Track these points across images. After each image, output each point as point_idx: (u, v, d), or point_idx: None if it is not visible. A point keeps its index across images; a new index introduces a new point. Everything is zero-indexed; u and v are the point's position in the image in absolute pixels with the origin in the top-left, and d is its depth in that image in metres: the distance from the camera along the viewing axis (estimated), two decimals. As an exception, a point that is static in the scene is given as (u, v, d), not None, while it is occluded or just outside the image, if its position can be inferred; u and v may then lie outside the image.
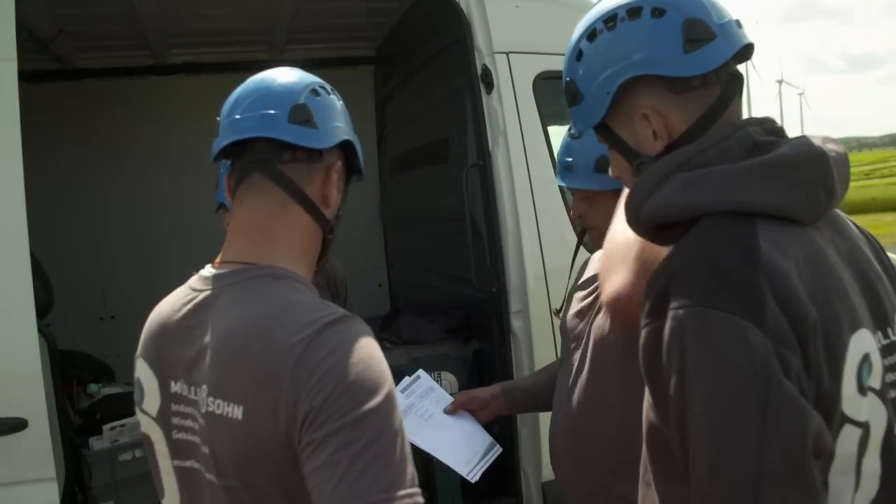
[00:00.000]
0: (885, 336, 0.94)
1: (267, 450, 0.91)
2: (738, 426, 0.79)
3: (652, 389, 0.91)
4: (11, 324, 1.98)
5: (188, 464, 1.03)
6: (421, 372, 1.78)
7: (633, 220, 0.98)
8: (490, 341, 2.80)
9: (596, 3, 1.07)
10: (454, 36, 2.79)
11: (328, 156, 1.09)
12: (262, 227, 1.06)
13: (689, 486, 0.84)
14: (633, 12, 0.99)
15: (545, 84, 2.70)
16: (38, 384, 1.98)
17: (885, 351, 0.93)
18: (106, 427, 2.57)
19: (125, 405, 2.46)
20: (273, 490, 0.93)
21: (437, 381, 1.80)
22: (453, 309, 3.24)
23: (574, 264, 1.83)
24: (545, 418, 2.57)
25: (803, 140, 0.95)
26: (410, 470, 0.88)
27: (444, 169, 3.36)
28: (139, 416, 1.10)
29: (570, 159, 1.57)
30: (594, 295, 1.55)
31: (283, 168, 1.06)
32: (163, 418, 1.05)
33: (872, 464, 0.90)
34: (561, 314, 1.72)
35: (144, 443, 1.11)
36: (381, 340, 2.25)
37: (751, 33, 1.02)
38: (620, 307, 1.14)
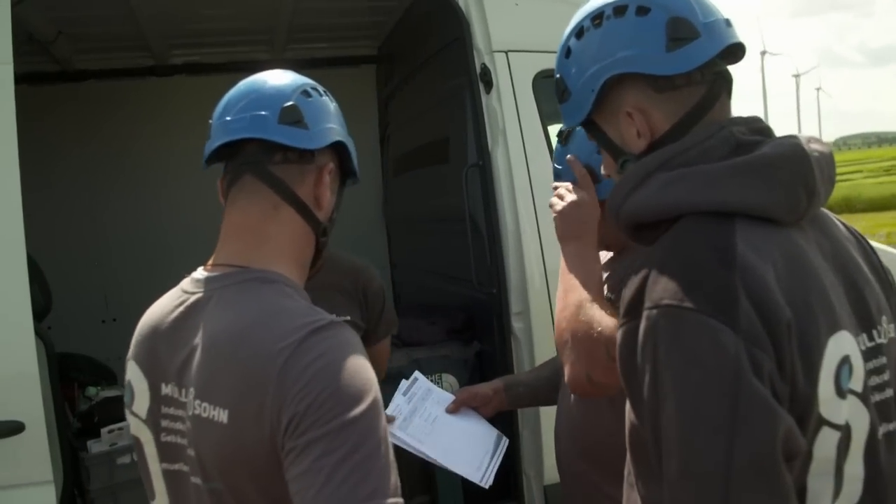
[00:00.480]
0: (870, 338, 0.93)
1: (251, 454, 0.91)
2: (707, 426, 0.79)
3: (629, 389, 0.91)
4: (8, 327, 1.98)
5: (176, 467, 1.03)
6: (417, 373, 1.77)
7: (615, 219, 1.00)
8: (491, 343, 2.78)
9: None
10: (453, 34, 2.77)
11: (320, 157, 1.09)
12: (253, 230, 1.06)
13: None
14: (618, 10, 1.01)
15: (545, 82, 2.68)
16: (35, 387, 1.97)
17: (869, 354, 0.92)
18: (104, 430, 2.57)
19: (123, 408, 2.45)
20: (256, 495, 0.93)
21: (437, 384, 1.79)
22: (455, 310, 3.23)
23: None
24: (546, 420, 2.58)
25: (787, 139, 0.95)
26: (394, 478, 0.87)
27: (445, 169, 3.34)
28: (129, 418, 1.10)
29: (559, 167, 1.56)
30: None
31: (274, 169, 1.06)
32: (152, 420, 1.05)
33: (855, 467, 0.89)
34: None
35: (134, 445, 1.11)
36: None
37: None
38: (589, 391, 1.27)
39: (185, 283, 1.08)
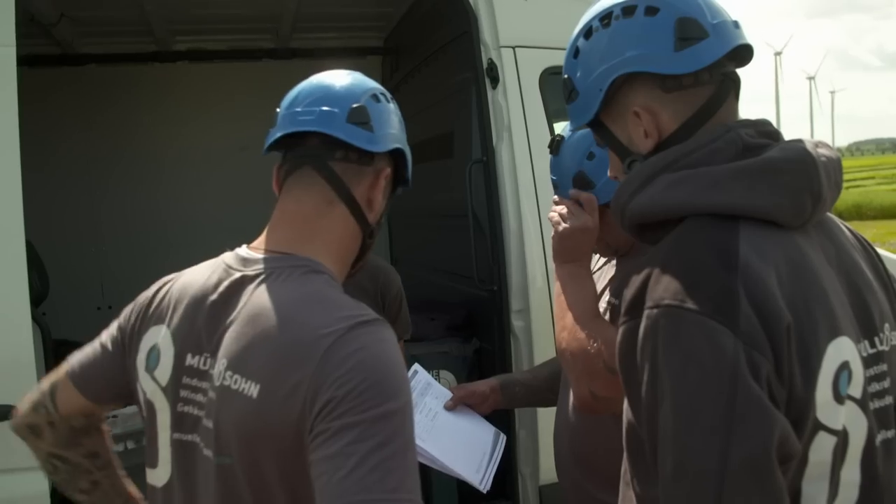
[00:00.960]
0: (872, 345, 0.93)
1: (274, 431, 0.93)
2: (702, 427, 0.80)
3: (627, 388, 0.92)
4: (6, 311, 1.97)
5: (189, 437, 1.05)
6: (417, 366, 1.75)
7: (619, 219, 1.01)
8: (491, 340, 2.77)
9: None
10: (460, 28, 2.76)
11: (379, 161, 1.12)
12: (305, 221, 1.09)
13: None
14: (627, 10, 1.02)
15: (552, 79, 2.66)
16: (30, 372, 1.96)
17: (870, 360, 0.92)
18: (99, 418, 2.55)
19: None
20: (269, 470, 0.95)
21: (435, 380, 1.77)
22: (455, 307, 3.22)
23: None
24: (543, 420, 2.57)
25: (794, 144, 0.95)
26: (415, 478, 0.89)
27: (448, 164, 3.33)
28: (146, 382, 1.10)
29: (554, 177, 1.55)
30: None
31: (334, 166, 1.09)
32: (172, 389, 1.07)
33: (851, 473, 0.90)
34: None
35: (145, 409, 1.11)
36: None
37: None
38: (595, 408, 1.31)
39: (229, 259, 1.09)
